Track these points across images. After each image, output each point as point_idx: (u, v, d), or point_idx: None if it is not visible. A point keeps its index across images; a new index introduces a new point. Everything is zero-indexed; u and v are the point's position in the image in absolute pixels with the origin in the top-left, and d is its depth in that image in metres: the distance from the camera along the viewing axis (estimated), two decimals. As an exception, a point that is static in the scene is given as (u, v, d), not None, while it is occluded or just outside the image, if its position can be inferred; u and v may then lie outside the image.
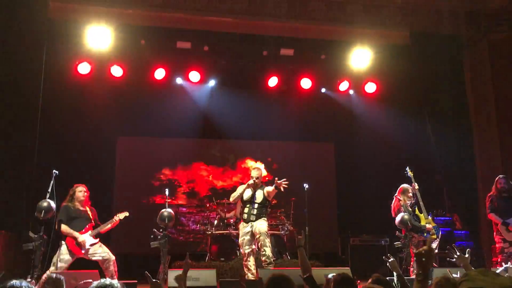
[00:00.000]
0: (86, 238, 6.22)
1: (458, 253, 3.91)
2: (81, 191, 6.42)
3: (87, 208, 6.46)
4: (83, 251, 6.18)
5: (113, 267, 6.21)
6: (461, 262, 3.87)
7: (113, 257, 6.27)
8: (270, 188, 6.68)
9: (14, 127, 7.70)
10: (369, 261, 8.29)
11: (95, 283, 2.58)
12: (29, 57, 7.77)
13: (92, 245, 6.23)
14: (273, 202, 9.52)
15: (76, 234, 6.17)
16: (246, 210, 6.76)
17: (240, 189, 6.84)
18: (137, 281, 5.38)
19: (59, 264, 6.01)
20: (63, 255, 6.08)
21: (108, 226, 6.41)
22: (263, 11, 8.89)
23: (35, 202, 5.81)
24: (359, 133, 10.61)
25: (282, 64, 9.90)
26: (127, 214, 6.47)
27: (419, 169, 9.58)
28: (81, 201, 6.39)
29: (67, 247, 6.12)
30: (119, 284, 2.57)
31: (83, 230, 6.27)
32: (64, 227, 6.17)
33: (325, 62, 9.89)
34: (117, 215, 6.43)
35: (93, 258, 6.26)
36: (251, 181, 6.72)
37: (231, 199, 7.01)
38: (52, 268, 5.98)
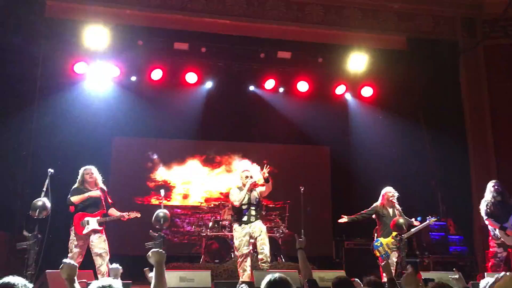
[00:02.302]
0: (92, 222, 6.22)
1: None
2: (87, 173, 6.41)
3: (98, 191, 6.45)
4: (84, 232, 6.16)
5: (105, 268, 6.16)
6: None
7: (108, 257, 6.25)
8: (262, 188, 6.71)
9: (9, 126, 7.69)
10: (364, 264, 8.29)
11: (95, 283, 2.56)
12: (26, 56, 7.76)
13: (94, 231, 6.21)
14: (269, 204, 9.57)
15: (86, 194, 6.24)
16: (245, 212, 6.68)
17: (243, 192, 6.67)
18: (132, 281, 5.37)
19: (74, 250, 6.10)
20: (75, 241, 6.15)
21: (114, 219, 6.39)
22: (261, 13, 8.94)
23: (30, 201, 5.78)
24: (355, 137, 10.63)
25: (279, 66, 9.93)
26: (138, 215, 6.41)
27: (414, 173, 9.65)
28: (89, 183, 6.40)
29: (75, 232, 6.16)
30: (120, 284, 2.56)
31: (93, 215, 6.27)
32: (74, 197, 6.23)
33: (322, 66, 9.91)
34: (129, 213, 6.38)
35: (93, 250, 6.21)
36: (251, 181, 6.64)
37: (238, 202, 6.64)
38: (69, 255, 6.06)
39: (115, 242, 9.41)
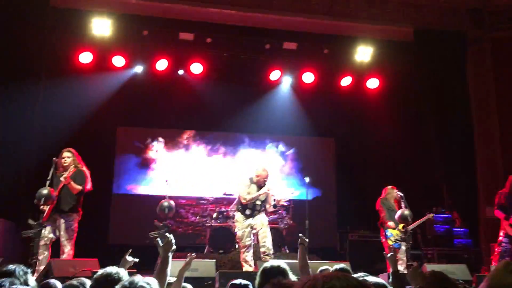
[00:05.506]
0: None
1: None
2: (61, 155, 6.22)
3: (66, 172, 6.13)
4: None
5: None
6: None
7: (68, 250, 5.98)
8: (270, 197, 6.79)
9: (14, 116, 7.70)
10: (367, 256, 8.30)
11: (101, 270, 2.58)
12: (31, 45, 7.76)
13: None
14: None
15: None
16: (250, 205, 6.69)
17: (254, 192, 6.64)
18: (136, 270, 5.37)
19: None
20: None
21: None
22: (267, 4, 8.87)
23: (35, 190, 5.79)
24: (360, 128, 10.59)
25: (284, 57, 9.88)
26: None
27: (419, 165, 9.61)
28: (62, 166, 6.19)
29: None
30: (125, 272, 2.58)
31: None
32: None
33: (328, 57, 9.86)
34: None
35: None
36: (265, 189, 6.63)
37: (246, 200, 6.62)
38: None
39: (119, 231, 9.50)
